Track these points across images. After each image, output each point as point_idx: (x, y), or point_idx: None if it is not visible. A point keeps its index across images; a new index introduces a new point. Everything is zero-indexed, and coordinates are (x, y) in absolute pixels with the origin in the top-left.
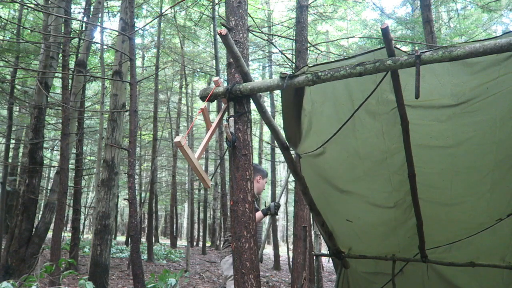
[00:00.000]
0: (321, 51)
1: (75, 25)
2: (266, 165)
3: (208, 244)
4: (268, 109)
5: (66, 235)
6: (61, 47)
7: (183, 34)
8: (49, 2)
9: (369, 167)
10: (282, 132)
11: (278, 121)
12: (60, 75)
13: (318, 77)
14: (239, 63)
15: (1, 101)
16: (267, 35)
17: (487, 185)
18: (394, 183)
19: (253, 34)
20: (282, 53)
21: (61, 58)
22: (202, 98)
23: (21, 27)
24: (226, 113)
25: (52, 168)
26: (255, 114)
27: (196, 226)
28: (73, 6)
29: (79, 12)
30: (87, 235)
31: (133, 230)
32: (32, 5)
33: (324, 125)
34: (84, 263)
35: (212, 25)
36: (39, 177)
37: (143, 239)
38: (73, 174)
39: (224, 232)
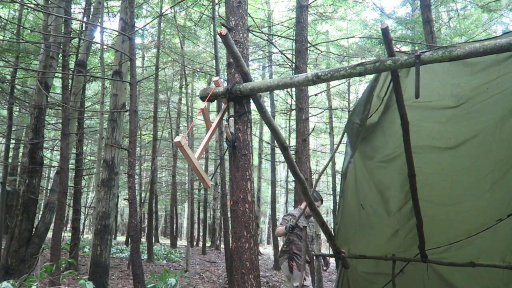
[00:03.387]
0: (321, 51)
1: (75, 25)
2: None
3: (208, 244)
4: (268, 109)
5: (66, 235)
6: (61, 47)
7: (183, 34)
8: (49, 2)
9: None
10: (282, 132)
11: (278, 121)
12: (60, 75)
13: (318, 77)
14: (239, 63)
15: (1, 101)
16: (267, 35)
17: (487, 185)
18: (396, 186)
19: (253, 34)
20: (282, 53)
21: (61, 58)
22: (202, 98)
23: (21, 27)
24: (226, 113)
25: (52, 168)
26: (255, 114)
27: (196, 226)
28: (73, 6)
29: (79, 12)
30: (87, 235)
31: (133, 230)
32: (32, 5)
33: None
34: (84, 263)
35: (212, 25)
36: (39, 177)
37: (143, 239)
38: (73, 174)
39: (284, 245)
